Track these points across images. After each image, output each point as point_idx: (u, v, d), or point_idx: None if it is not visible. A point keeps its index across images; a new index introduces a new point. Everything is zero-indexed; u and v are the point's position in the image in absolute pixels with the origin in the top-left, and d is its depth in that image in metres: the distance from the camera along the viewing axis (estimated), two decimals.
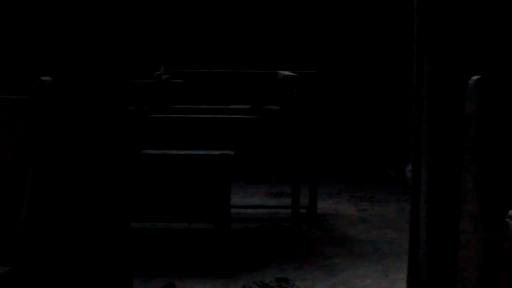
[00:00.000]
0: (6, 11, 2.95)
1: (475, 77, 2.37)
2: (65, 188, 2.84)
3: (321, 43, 6.96)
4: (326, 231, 5.29)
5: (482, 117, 2.33)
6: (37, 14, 2.94)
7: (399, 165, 6.87)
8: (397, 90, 6.54)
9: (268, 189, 6.53)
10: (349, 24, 6.99)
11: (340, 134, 7.12)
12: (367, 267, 4.43)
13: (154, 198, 4.69)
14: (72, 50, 2.97)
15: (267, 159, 5.65)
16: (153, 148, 4.79)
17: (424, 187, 3.51)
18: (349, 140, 7.13)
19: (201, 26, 6.75)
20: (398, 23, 6.43)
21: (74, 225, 2.94)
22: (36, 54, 2.94)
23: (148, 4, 6.14)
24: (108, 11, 2.96)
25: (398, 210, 5.82)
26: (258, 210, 5.75)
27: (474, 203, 2.39)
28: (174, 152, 4.82)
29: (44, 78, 2.61)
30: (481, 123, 2.34)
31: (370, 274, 4.31)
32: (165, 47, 6.20)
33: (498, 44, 3.02)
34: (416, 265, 3.66)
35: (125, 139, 3.43)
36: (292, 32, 6.92)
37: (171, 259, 4.51)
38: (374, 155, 7.08)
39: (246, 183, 6.77)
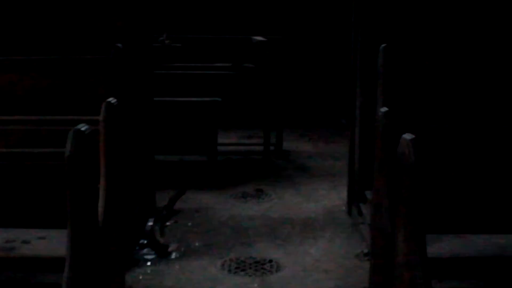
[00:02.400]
0: None
1: (383, 45, 4.14)
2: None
3: (286, 13, 8.65)
4: (290, 162, 7.09)
5: (388, 71, 4.11)
6: None
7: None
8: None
9: (242, 133, 8.24)
10: None
11: (303, 89, 8.80)
12: (321, 183, 6.26)
13: (161, 136, 6.36)
14: (129, 25, 4.70)
15: (241, 108, 7.33)
16: (159, 97, 6.48)
17: (357, 124, 5.33)
18: (310, 94, 8.82)
19: (193, 3, 8.44)
20: None
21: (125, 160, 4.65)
22: (109, 24, 4.65)
23: None
24: None
25: (346, 148, 7.61)
26: (237, 147, 7.47)
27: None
28: (175, 99, 6.54)
29: (119, 44, 4.32)
30: (387, 75, 4.13)
31: (323, 187, 6.14)
32: (166, 17, 7.85)
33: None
34: (352, 180, 5.47)
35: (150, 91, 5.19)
36: (264, 4, 8.60)
37: (176, 180, 6.20)
38: (330, 107, 8.79)
39: (222, 129, 8.49)
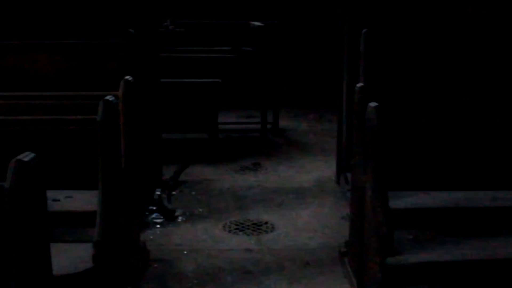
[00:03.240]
0: None
1: (364, 30, 4.76)
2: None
3: (282, 0, 9.27)
4: (286, 139, 7.72)
5: (368, 53, 4.73)
6: None
7: None
8: None
9: (240, 113, 8.84)
10: None
11: (298, 71, 9.41)
12: (313, 158, 6.90)
13: (166, 115, 6.96)
14: (139, 12, 5.33)
15: (240, 89, 7.94)
16: (164, 78, 7.10)
17: (344, 101, 5.97)
18: (305, 76, 9.43)
19: None
20: None
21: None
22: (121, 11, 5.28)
23: None
24: None
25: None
26: (236, 126, 8.08)
27: None
28: (178, 80, 7.16)
29: (131, 30, 4.95)
30: (367, 56, 4.75)
31: (315, 161, 6.78)
32: (170, 3, 8.46)
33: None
34: (340, 153, 6.11)
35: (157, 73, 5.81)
36: None
37: (180, 156, 6.82)
38: (324, 88, 9.39)
39: (222, 109, 9.11)
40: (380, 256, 3.12)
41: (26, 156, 2.74)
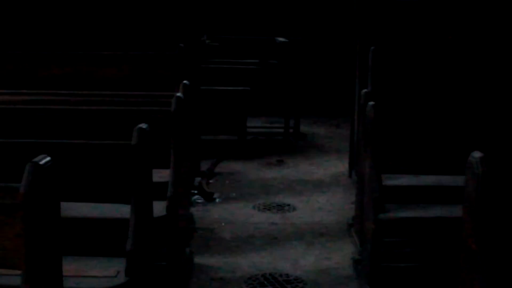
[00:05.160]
0: None
1: (372, 47, 6.08)
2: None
3: (305, 19, 10.59)
4: (306, 141, 9.03)
5: (375, 67, 6.05)
6: None
7: None
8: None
9: (266, 119, 10.12)
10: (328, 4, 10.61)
11: (318, 83, 10.72)
12: (330, 157, 8.22)
13: (204, 118, 8.26)
14: (185, 29, 6.68)
15: (266, 98, 9.26)
16: (202, 86, 8.42)
17: (356, 108, 7.28)
18: (324, 87, 10.73)
19: (227, 7, 10.43)
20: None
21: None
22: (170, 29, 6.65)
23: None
24: None
25: None
26: (262, 130, 9.38)
27: None
28: (213, 87, 8.50)
29: (181, 44, 6.29)
30: (375, 70, 6.07)
31: (332, 160, 8.09)
32: (206, 20, 9.83)
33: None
34: (353, 150, 7.42)
35: (199, 81, 7.16)
36: (286, 11, 10.55)
37: (214, 154, 8.14)
38: (340, 98, 10.67)
39: (250, 116, 10.45)
40: (374, 213, 4.42)
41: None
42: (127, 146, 3.68)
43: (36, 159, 2.84)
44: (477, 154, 3.10)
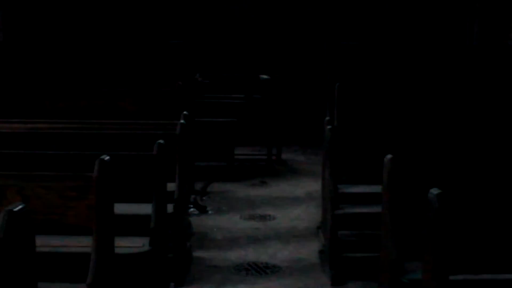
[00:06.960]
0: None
1: (337, 83, 7.65)
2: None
3: (284, 59, 12.20)
4: (286, 166, 10.57)
5: (340, 100, 7.62)
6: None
7: None
8: None
9: (251, 148, 11.56)
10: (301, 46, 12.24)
11: (298, 115, 12.29)
12: (307, 179, 9.74)
13: (197, 146, 9.77)
14: (182, 68, 8.26)
15: (251, 129, 10.81)
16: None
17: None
18: (303, 119, 12.28)
19: (216, 50, 12.05)
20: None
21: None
22: (169, 69, 8.22)
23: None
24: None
25: None
26: (248, 157, 10.91)
27: None
28: (204, 119, 10.05)
29: (180, 82, 7.84)
30: (339, 103, 7.64)
31: (308, 181, 9.60)
32: (198, 61, 11.42)
33: None
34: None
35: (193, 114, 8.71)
36: (268, 53, 12.17)
37: (205, 177, 9.66)
38: (318, 128, 12.21)
39: (237, 145, 12.01)
40: (332, 210, 5.96)
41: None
42: (150, 156, 5.23)
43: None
44: (389, 156, 4.65)
